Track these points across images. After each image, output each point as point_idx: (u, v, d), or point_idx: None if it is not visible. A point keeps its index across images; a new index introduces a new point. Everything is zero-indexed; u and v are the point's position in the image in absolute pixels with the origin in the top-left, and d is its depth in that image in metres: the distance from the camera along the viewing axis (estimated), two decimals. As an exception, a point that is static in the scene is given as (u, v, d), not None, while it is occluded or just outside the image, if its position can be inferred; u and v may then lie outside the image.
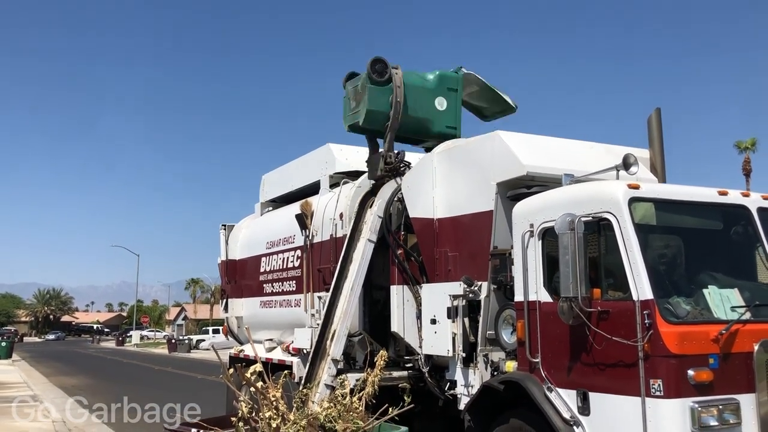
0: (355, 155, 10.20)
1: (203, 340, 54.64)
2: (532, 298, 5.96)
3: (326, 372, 7.87)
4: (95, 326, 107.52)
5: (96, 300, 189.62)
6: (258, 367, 4.76)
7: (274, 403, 4.42)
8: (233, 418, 4.68)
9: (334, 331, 8.11)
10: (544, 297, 5.87)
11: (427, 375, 7.67)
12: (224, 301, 12.30)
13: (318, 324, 9.23)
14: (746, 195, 5.95)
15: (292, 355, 9.89)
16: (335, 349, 7.95)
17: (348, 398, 4.73)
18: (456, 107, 9.15)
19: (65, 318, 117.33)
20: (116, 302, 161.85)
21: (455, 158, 7.61)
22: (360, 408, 4.70)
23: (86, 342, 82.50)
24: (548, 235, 5.91)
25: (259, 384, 4.56)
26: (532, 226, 6.03)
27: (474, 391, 6.82)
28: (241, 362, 11.05)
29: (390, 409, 4.75)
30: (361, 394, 4.82)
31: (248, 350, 11.39)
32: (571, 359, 5.56)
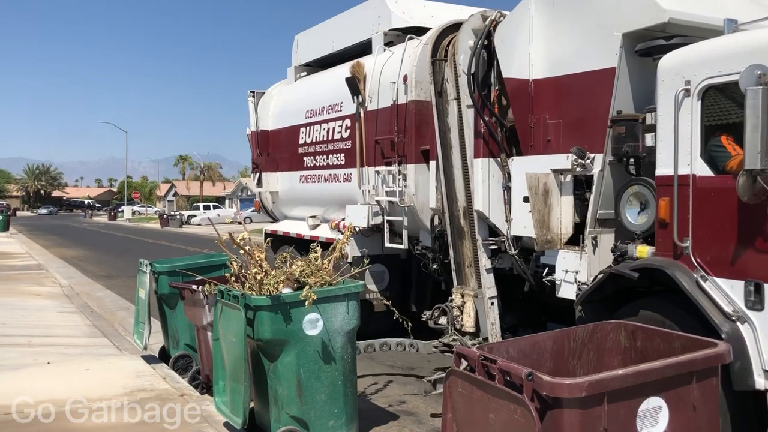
0: (413, 8, 8.88)
1: (194, 216, 56.21)
2: (683, 171, 4.94)
3: (482, 257, 7.10)
4: (86, 201, 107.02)
5: (85, 175, 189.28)
6: (245, 234, 5.48)
7: (259, 262, 5.25)
8: (227, 275, 5.72)
9: (464, 207, 7.21)
10: (701, 170, 4.86)
11: (516, 258, 6.81)
12: (257, 175, 11.28)
13: (377, 202, 8.32)
14: None
15: (342, 233, 9.03)
16: (481, 233, 7.10)
17: (319, 260, 5.51)
18: None
19: (56, 193, 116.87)
20: (105, 178, 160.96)
21: (561, 4, 6.34)
22: (329, 268, 5.53)
23: (79, 217, 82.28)
24: (711, 95, 4.83)
25: (247, 247, 5.37)
26: (688, 83, 4.91)
27: (582, 277, 5.98)
28: (278, 240, 10.26)
29: (353, 268, 6.03)
30: (330, 257, 5.60)
31: (286, 227, 10.56)
32: (738, 244, 4.63)
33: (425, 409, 6.52)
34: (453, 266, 7.36)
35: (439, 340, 7.23)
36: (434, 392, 6.07)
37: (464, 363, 3.64)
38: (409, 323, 6.81)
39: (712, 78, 4.76)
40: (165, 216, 56.34)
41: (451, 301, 7.30)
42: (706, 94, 4.85)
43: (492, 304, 7.08)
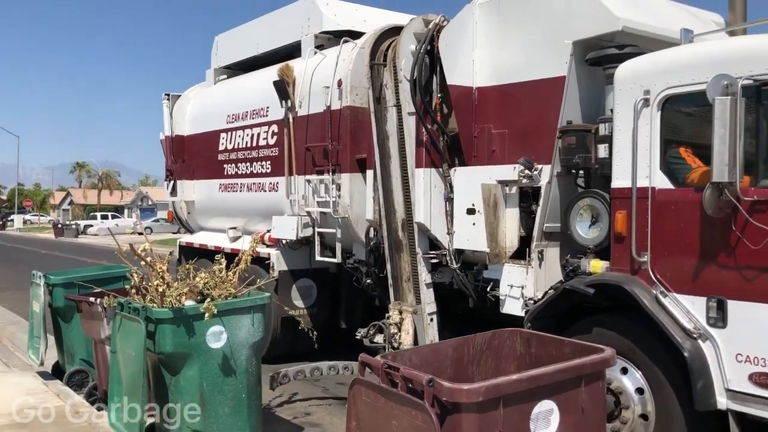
0: (345, 11, 8.51)
1: (91, 226, 54.55)
2: (641, 183, 4.79)
3: (422, 272, 6.72)
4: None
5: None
6: (147, 245, 5.36)
7: (161, 273, 5.17)
8: (126, 287, 5.57)
9: (403, 219, 6.82)
10: (661, 182, 4.72)
11: (457, 272, 6.53)
12: (170, 183, 10.53)
13: (307, 212, 7.87)
14: None
15: (268, 246, 8.52)
16: (421, 245, 6.72)
17: (224, 272, 5.43)
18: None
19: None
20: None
21: (508, 10, 6.14)
22: (234, 280, 5.44)
23: (-38, 226, 76.68)
24: (673, 105, 4.71)
25: (149, 258, 5.28)
26: (647, 92, 4.77)
27: (528, 292, 5.76)
28: (195, 252, 9.59)
29: (258, 280, 5.74)
30: (235, 269, 5.51)
31: (203, 239, 9.92)
32: (700, 259, 4.50)
33: (330, 420, 6.59)
34: (390, 281, 6.99)
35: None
36: None
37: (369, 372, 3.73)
38: (314, 332, 6.78)
39: (673, 87, 4.65)
40: (59, 225, 54.20)
41: (388, 318, 6.92)
42: (666, 103, 4.73)
43: (431, 320, 6.75)
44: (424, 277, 6.74)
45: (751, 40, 4.69)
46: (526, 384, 3.39)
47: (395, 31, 7.14)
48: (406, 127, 6.72)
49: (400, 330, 6.79)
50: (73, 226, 52.83)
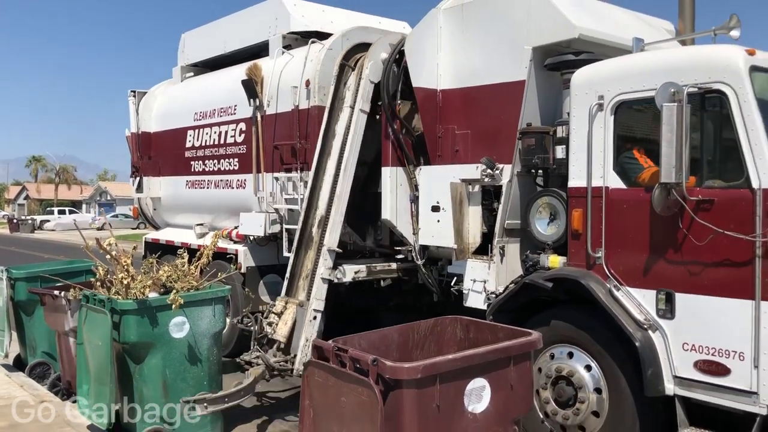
0: (312, 13, 8.66)
1: (48, 221, 53.88)
2: (596, 183, 5.08)
3: (322, 265, 6.76)
4: None
5: None
6: (112, 239, 5.66)
7: (126, 266, 5.41)
8: (92, 279, 5.79)
9: (322, 216, 6.94)
10: (614, 182, 5.02)
11: (422, 268, 6.77)
12: (136, 179, 10.55)
13: (275, 209, 8.01)
14: None
15: (235, 242, 8.64)
16: (330, 238, 6.80)
17: (186, 266, 5.65)
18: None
19: None
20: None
21: (471, 16, 6.38)
22: (196, 273, 5.67)
23: None
24: (624, 110, 5.00)
25: (114, 252, 5.51)
26: (601, 98, 5.06)
27: (490, 286, 6.02)
28: (161, 248, 9.66)
29: (219, 273, 6.03)
30: (198, 263, 5.72)
31: (170, 235, 9.99)
32: (650, 255, 4.80)
33: (286, 406, 6.75)
34: (288, 275, 7.08)
35: (241, 357, 6.91)
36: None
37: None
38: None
39: (625, 93, 4.94)
40: (15, 221, 52.90)
41: (272, 307, 7.00)
42: (619, 108, 5.02)
43: (314, 318, 6.72)
44: (323, 271, 6.79)
45: (696, 51, 5.01)
46: (460, 363, 3.73)
47: (367, 46, 7.30)
48: (353, 127, 6.88)
49: (279, 319, 6.82)
50: (30, 222, 51.87)
